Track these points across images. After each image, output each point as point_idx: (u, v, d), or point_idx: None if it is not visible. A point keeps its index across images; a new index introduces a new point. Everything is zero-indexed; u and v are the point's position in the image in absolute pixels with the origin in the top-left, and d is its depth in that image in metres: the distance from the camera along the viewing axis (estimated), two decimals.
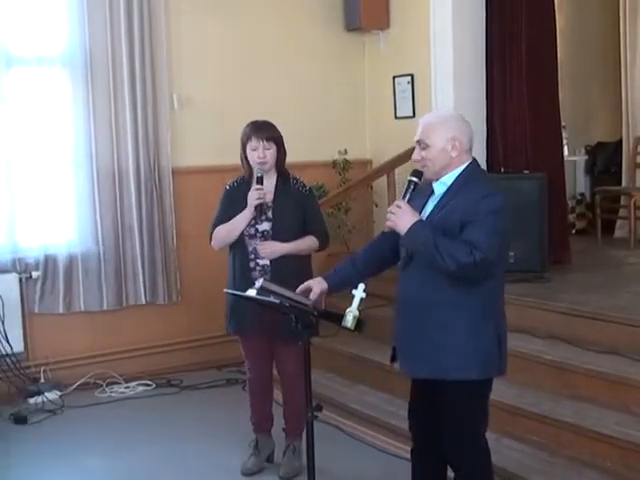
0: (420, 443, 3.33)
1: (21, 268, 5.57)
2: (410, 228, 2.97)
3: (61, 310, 5.66)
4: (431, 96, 6.16)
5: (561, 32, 7.14)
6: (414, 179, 3.07)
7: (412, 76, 6.37)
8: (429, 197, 3.13)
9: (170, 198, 5.97)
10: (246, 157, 4.04)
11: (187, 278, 6.10)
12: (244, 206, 3.99)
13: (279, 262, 3.98)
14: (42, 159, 5.62)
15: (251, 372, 4.29)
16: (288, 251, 3.97)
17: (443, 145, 3.02)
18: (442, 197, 3.07)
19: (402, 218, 2.99)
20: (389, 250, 3.28)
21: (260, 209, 3.96)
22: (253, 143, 3.98)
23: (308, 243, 4.05)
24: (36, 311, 5.63)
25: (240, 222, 4.00)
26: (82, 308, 5.72)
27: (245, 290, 3.62)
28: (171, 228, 6.00)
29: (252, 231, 4.01)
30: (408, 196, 3.05)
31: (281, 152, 4.05)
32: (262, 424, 4.33)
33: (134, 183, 5.80)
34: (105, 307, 5.79)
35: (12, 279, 5.49)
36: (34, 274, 5.59)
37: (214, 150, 6.07)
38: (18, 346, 5.49)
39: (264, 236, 4.01)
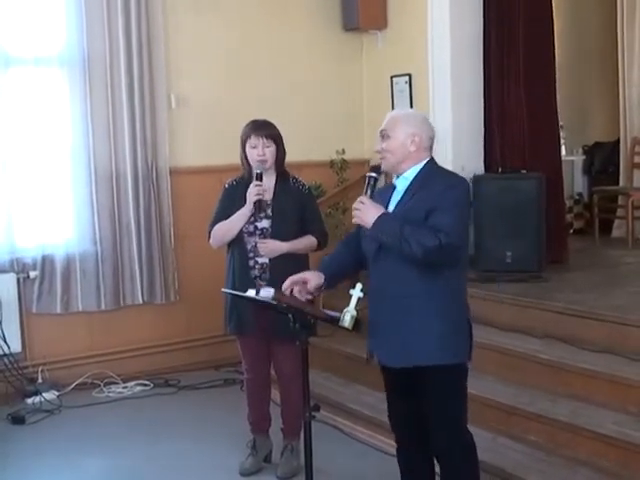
0: (404, 441, 3.36)
1: (19, 268, 5.57)
2: (376, 221, 3.04)
3: (59, 310, 5.66)
4: (429, 96, 6.17)
5: (559, 32, 7.15)
6: (373, 174, 3.16)
7: (410, 76, 6.37)
8: (392, 194, 3.21)
9: (168, 198, 5.98)
10: (246, 156, 4.05)
11: (185, 278, 6.10)
12: (243, 205, 4.00)
13: (277, 260, 3.98)
14: (40, 159, 5.62)
15: (249, 372, 4.29)
16: (287, 250, 3.98)
17: (403, 138, 3.14)
18: (405, 192, 3.16)
19: (367, 213, 3.07)
20: (355, 252, 3.34)
21: (259, 206, 3.96)
22: (253, 141, 3.99)
23: (307, 242, 4.06)
24: (34, 311, 5.63)
25: (239, 219, 4.01)
26: (80, 308, 5.72)
27: (245, 288, 3.64)
28: (169, 228, 6.00)
29: (251, 228, 4.02)
30: (369, 192, 3.13)
31: (280, 151, 4.06)
32: (260, 424, 4.33)
33: (132, 183, 5.80)
34: (103, 307, 5.79)
35: (10, 279, 5.50)
36: (32, 274, 5.59)
37: (212, 150, 6.08)
38: (16, 346, 5.49)
39: (263, 234, 4.01)
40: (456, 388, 3.16)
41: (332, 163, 6.46)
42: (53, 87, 5.61)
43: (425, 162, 3.17)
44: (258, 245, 3.99)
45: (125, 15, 5.69)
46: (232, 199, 4.08)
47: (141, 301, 5.91)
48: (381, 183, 3.33)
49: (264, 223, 4.01)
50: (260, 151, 3.98)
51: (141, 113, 5.80)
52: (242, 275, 4.02)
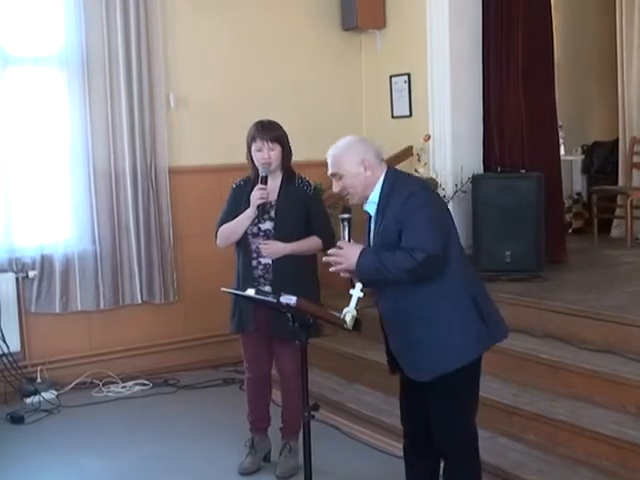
0: (411, 437, 3.37)
1: (18, 268, 5.56)
2: (358, 262, 3.06)
3: (58, 310, 5.66)
4: (428, 95, 6.17)
5: (558, 32, 7.16)
6: (345, 216, 3.19)
7: (409, 75, 6.37)
8: (369, 221, 3.23)
9: (167, 197, 5.97)
10: (252, 157, 4.05)
11: (184, 277, 6.10)
12: (249, 205, 4.01)
13: (280, 261, 3.99)
14: (39, 159, 5.62)
15: (249, 371, 4.30)
16: (290, 251, 3.98)
17: (355, 170, 3.13)
18: (376, 215, 3.17)
19: (348, 258, 3.09)
20: None
21: (262, 208, 3.97)
22: (258, 144, 3.99)
23: (311, 243, 4.05)
24: (33, 311, 5.63)
25: (243, 221, 4.02)
26: (79, 308, 5.72)
27: (247, 287, 3.67)
28: (168, 227, 5.99)
29: (255, 230, 4.03)
30: (347, 235, 3.16)
31: (286, 151, 4.06)
32: (259, 423, 4.33)
33: (130, 182, 5.80)
34: (102, 306, 5.79)
35: (9, 279, 5.49)
36: (31, 274, 5.58)
37: (210, 149, 6.09)
38: (15, 346, 5.49)
39: (266, 235, 4.02)
40: (458, 391, 3.15)
41: None
42: (52, 87, 5.60)
43: (383, 177, 3.16)
44: (260, 247, 4.00)
45: (124, 15, 5.69)
46: (239, 199, 4.09)
47: (140, 301, 5.91)
48: None
49: (267, 225, 4.02)
50: (265, 154, 3.98)
51: (140, 113, 5.80)
52: (246, 275, 4.05)
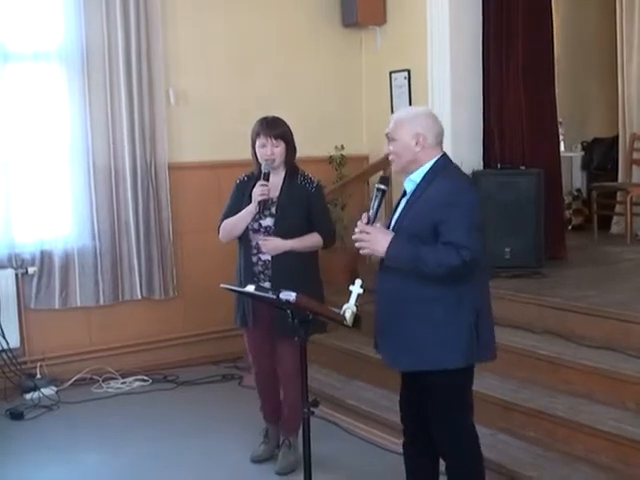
0: (411, 435, 3.37)
1: (17, 264, 5.56)
2: (389, 250, 3.01)
3: (57, 305, 5.66)
4: (428, 92, 6.16)
5: (558, 28, 7.15)
6: (382, 187, 3.12)
7: (409, 72, 6.36)
8: (402, 197, 3.19)
9: (166, 193, 5.96)
10: (256, 153, 4.06)
11: (183, 273, 6.10)
12: (252, 201, 4.02)
13: (280, 258, 3.99)
14: (38, 155, 5.61)
15: (254, 366, 4.33)
16: (290, 247, 3.99)
17: (408, 140, 3.09)
18: (412, 195, 3.11)
19: (376, 242, 3.03)
20: None
21: (264, 205, 3.98)
22: (262, 140, 4.00)
23: (312, 240, 4.06)
24: (32, 307, 5.63)
25: (244, 217, 4.03)
26: (78, 303, 5.72)
27: (248, 284, 3.66)
28: (167, 223, 5.99)
29: (256, 226, 4.04)
30: (376, 207, 3.09)
31: (290, 148, 4.07)
32: (271, 415, 4.36)
33: (130, 179, 5.79)
34: (101, 302, 5.79)
35: (8, 275, 5.49)
36: (30, 270, 5.58)
37: (210, 146, 6.08)
38: (14, 342, 5.49)
39: (267, 231, 4.03)
40: (458, 390, 3.15)
41: (331, 159, 6.46)
42: (51, 82, 5.59)
43: (434, 161, 3.11)
44: (260, 243, 4.01)
45: (124, 10, 5.68)
46: (242, 194, 4.11)
47: (140, 296, 5.91)
48: None
49: (268, 221, 4.03)
50: (268, 151, 3.99)
51: (140, 109, 5.79)
52: (247, 271, 4.07)
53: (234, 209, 4.09)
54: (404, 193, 3.18)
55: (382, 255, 3.04)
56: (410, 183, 3.14)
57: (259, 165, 4.06)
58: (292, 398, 4.09)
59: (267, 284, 3.98)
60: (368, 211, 3.11)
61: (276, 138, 3.99)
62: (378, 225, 3.11)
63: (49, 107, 5.60)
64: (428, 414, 3.20)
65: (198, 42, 6.10)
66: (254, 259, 4.05)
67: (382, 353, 3.27)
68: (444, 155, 3.17)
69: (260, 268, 4.04)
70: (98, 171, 5.71)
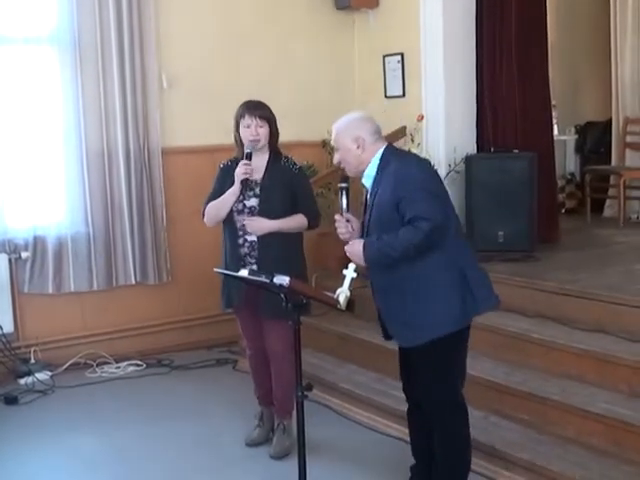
0: (413, 401, 3.49)
1: (10, 249, 5.55)
2: (364, 254, 3.18)
3: (51, 290, 5.66)
4: (421, 75, 6.15)
5: (551, 11, 7.12)
6: (343, 185, 3.35)
7: (402, 55, 6.34)
8: (367, 195, 3.34)
9: (160, 178, 5.96)
10: (239, 136, 4.06)
11: (177, 258, 6.10)
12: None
13: (266, 238, 4.01)
14: (31, 140, 5.59)
15: (249, 348, 4.35)
16: (275, 228, 4.01)
17: (349, 146, 3.28)
18: (372, 188, 3.28)
19: (355, 254, 3.21)
20: None
21: (246, 184, 4.00)
22: (246, 120, 4.02)
23: (297, 220, 4.08)
24: (26, 291, 5.62)
25: (229, 198, 4.05)
26: (72, 288, 5.72)
27: (235, 266, 3.79)
28: (161, 208, 5.98)
29: (240, 207, 4.05)
30: (345, 204, 3.33)
31: (273, 132, 4.09)
32: (265, 398, 4.37)
33: (123, 163, 5.78)
34: (95, 287, 5.78)
35: (1, 260, 5.48)
36: (23, 255, 5.57)
37: (203, 130, 6.06)
38: (8, 327, 5.49)
39: (251, 212, 4.04)
40: (444, 359, 3.25)
41: (324, 143, 6.44)
42: (44, 67, 5.57)
43: (380, 154, 3.26)
44: (245, 222, 4.02)
45: None
46: (226, 179, 4.11)
47: (133, 281, 5.91)
48: None
49: (252, 202, 4.04)
50: (253, 130, 4.01)
51: (132, 93, 5.77)
52: (233, 253, 4.08)
53: (217, 193, 4.10)
54: (367, 192, 3.33)
55: (363, 263, 3.20)
56: (367, 179, 3.30)
57: (242, 148, 4.07)
58: (283, 380, 4.13)
59: (254, 266, 3.99)
60: (340, 209, 3.35)
61: (261, 118, 4.02)
62: (348, 216, 3.33)
63: (42, 92, 5.58)
64: (416, 380, 3.33)
65: (190, 26, 6.07)
66: (240, 241, 4.06)
67: (394, 336, 3.36)
68: (388, 145, 3.33)
69: (246, 250, 4.04)
70: (91, 156, 5.70)
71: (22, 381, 5.40)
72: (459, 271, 3.19)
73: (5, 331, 5.46)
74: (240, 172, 3.98)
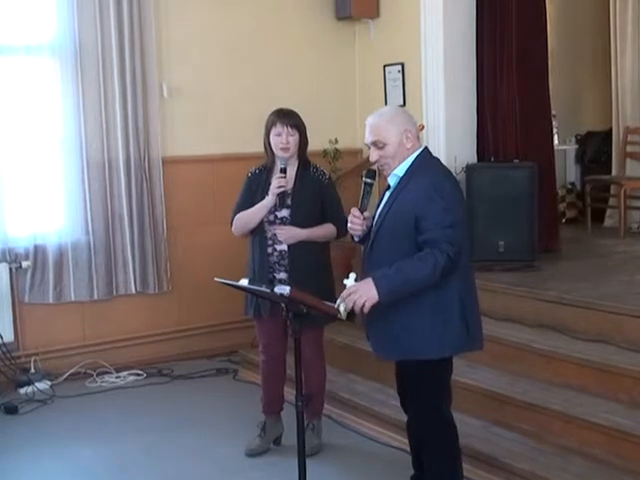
0: (409, 414, 3.45)
1: (11, 258, 5.55)
2: (379, 290, 2.96)
3: (51, 300, 5.65)
4: (422, 85, 6.16)
5: (552, 21, 7.14)
6: (369, 181, 3.20)
7: (403, 65, 6.36)
8: (386, 190, 3.23)
9: (160, 187, 5.95)
10: (269, 143, 4.11)
11: (178, 268, 6.09)
12: (264, 193, 4.09)
13: (296, 247, 4.07)
14: (32, 149, 5.59)
15: (263, 354, 4.33)
16: (306, 237, 4.07)
17: (399, 139, 3.12)
18: (394, 189, 3.15)
19: (365, 292, 2.98)
20: None
21: (282, 197, 4.05)
22: (278, 129, 4.07)
23: (326, 230, 4.14)
24: (26, 301, 5.62)
25: (260, 210, 4.10)
26: (72, 298, 5.71)
27: (264, 275, 3.94)
28: (161, 218, 5.98)
29: (272, 217, 4.10)
30: (365, 202, 3.18)
31: (303, 140, 4.15)
32: (272, 405, 4.36)
33: (124, 173, 5.78)
34: (95, 297, 5.78)
35: (2, 269, 5.48)
36: (24, 264, 5.57)
37: (204, 139, 6.07)
38: (8, 336, 5.48)
39: (283, 222, 4.10)
40: (436, 379, 3.21)
41: (325, 152, 6.44)
42: (44, 76, 5.57)
43: (416, 155, 3.16)
44: (277, 231, 4.07)
45: (117, 4, 5.65)
46: (254, 187, 4.17)
47: (134, 291, 5.90)
48: None
49: (284, 212, 4.09)
50: (284, 139, 4.06)
51: (133, 102, 5.77)
52: (262, 262, 4.12)
53: (247, 202, 4.15)
54: (388, 187, 3.23)
55: (378, 299, 2.98)
56: (394, 177, 3.19)
57: (271, 156, 4.13)
58: (314, 383, 4.18)
59: (283, 274, 4.06)
60: (360, 205, 3.20)
61: (292, 127, 4.06)
62: (366, 214, 3.20)
63: (42, 101, 5.58)
64: (408, 400, 3.31)
65: (191, 36, 6.08)
66: (269, 250, 4.11)
67: (372, 345, 3.33)
68: (425, 148, 3.23)
69: (276, 259, 4.10)
70: (92, 165, 5.70)
71: (22, 391, 5.39)
72: (461, 301, 3.12)
73: (5, 340, 5.45)
74: (275, 185, 4.02)
